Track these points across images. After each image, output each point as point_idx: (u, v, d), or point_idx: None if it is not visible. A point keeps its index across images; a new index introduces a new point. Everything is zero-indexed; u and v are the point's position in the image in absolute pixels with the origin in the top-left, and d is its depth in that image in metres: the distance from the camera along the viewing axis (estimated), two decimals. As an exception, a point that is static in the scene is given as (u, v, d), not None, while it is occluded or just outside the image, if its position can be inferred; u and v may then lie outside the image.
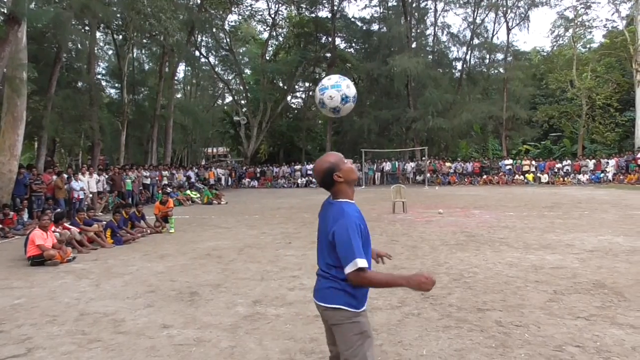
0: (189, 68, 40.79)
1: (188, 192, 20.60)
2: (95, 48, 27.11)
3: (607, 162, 27.71)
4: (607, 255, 7.12)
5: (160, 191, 17.21)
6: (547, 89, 35.71)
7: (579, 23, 32.28)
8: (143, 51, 34.66)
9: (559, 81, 32.27)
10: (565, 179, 27.49)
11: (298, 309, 4.85)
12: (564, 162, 29.07)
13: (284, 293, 5.49)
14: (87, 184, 15.36)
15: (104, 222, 9.90)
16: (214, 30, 35.21)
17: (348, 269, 2.20)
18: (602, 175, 27.16)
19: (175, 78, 35.15)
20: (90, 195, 15.64)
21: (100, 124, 23.52)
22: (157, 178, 20.90)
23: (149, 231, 10.71)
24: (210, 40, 37.32)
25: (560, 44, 34.82)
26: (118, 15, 23.69)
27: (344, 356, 2.36)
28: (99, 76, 32.85)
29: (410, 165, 30.85)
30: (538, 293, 5.21)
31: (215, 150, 52.63)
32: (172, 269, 6.96)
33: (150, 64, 36.67)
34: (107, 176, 17.29)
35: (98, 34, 28.16)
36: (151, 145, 28.40)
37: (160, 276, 6.54)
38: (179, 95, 42.42)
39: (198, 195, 20.38)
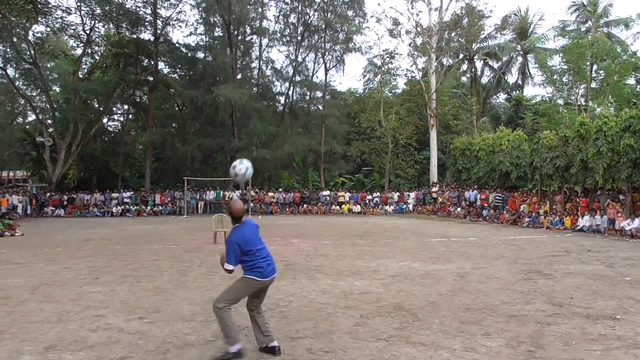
0: (-21, 79, 35.48)
1: (-29, 222, 17.42)
2: None
3: (409, 195, 31.44)
4: (406, 279, 7.93)
5: None
6: (359, 127, 39.10)
7: (385, 70, 36.36)
8: None
9: (369, 121, 35.57)
10: (375, 209, 30.33)
11: (100, 352, 4.36)
12: (374, 194, 32.06)
13: (85, 335, 4.89)
14: None
15: None
16: (15, 39, 31.07)
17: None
18: (404, 206, 30.65)
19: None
20: None
21: None
22: None
23: None
24: (9, 50, 32.70)
25: (371, 87, 38.46)
26: None
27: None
28: None
29: (234, 195, 30.76)
30: (347, 318, 5.51)
31: (12, 173, 46.22)
32: (-62, 317, 5.72)
33: None
34: None
35: None
36: None
37: None
38: (-36, 110, 36.48)
39: (-15, 226, 17.36)
